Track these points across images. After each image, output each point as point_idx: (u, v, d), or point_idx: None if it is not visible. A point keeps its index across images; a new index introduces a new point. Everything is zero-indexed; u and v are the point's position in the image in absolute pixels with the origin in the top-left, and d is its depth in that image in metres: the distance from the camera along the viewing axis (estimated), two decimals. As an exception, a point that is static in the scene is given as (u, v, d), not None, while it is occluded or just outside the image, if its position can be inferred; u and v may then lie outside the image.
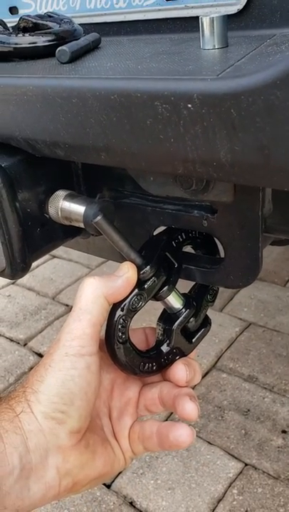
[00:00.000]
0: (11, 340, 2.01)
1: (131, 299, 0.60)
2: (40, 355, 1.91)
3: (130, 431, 0.67)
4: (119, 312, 0.60)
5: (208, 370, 1.75)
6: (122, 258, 0.63)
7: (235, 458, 1.47)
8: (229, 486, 1.40)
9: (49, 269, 2.45)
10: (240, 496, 1.37)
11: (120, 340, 0.61)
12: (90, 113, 0.49)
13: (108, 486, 1.43)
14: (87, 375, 0.56)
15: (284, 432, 1.52)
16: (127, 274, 0.59)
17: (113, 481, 1.43)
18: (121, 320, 0.60)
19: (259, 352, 1.81)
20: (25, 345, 1.99)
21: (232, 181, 0.49)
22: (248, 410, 1.60)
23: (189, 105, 0.42)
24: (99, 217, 0.57)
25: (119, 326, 0.60)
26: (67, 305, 2.18)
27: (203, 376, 1.72)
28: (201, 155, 0.45)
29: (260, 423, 1.56)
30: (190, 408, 0.61)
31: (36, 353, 1.93)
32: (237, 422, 1.57)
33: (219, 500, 1.36)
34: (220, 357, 1.80)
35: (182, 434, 0.61)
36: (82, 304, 0.58)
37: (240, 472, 1.43)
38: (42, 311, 2.16)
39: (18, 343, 2.00)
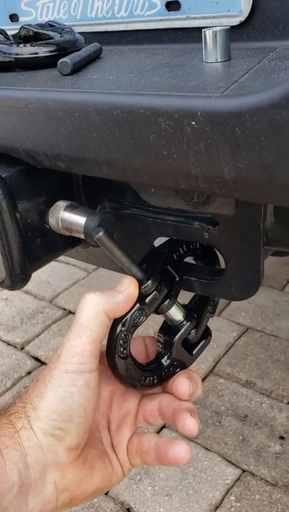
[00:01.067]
0: (8, 344, 2.01)
1: (132, 314, 0.60)
2: (37, 359, 1.91)
3: (128, 444, 0.67)
4: (120, 327, 0.59)
5: (206, 375, 1.75)
6: (122, 269, 0.62)
7: (233, 464, 1.46)
8: (227, 493, 1.39)
9: (46, 272, 2.44)
10: (237, 503, 1.37)
11: (121, 356, 0.60)
12: (93, 127, 0.49)
13: (105, 493, 1.42)
14: (86, 391, 0.56)
15: (282, 438, 1.52)
16: (128, 289, 0.59)
17: (110, 488, 1.43)
18: (122, 335, 0.60)
19: (257, 357, 1.81)
20: (22, 349, 1.98)
21: (235, 197, 0.49)
22: (246, 416, 1.60)
23: (193, 122, 0.42)
24: (100, 234, 0.56)
25: (121, 342, 0.60)
26: (64, 309, 2.18)
27: (201, 381, 1.72)
28: (204, 171, 0.45)
29: (258, 429, 1.55)
30: (191, 424, 0.60)
31: (33, 357, 1.92)
32: (235, 427, 1.57)
33: (217, 507, 1.36)
34: (217, 362, 1.80)
35: (181, 451, 0.61)
36: (82, 320, 0.57)
37: (238, 479, 1.43)
38: (39, 314, 2.16)
39: (15, 347, 1.99)
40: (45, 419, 0.56)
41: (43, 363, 1.89)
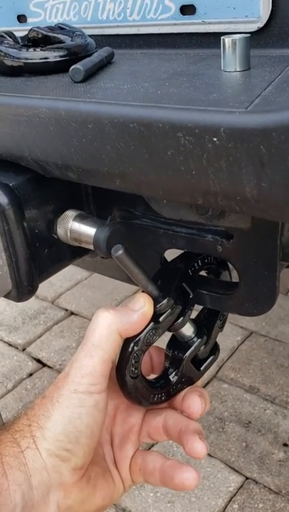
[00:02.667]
0: (10, 345, 1.99)
1: (146, 334, 0.57)
2: (39, 361, 1.89)
3: (132, 461, 0.65)
4: (133, 347, 0.57)
5: (209, 380, 1.73)
6: (129, 280, 0.60)
7: (236, 471, 1.45)
8: (230, 501, 1.38)
9: (49, 272, 2.42)
10: (240, 511, 1.35)
11: (132, 375, 0.58)
12: (107, 140, 0.46)
13: (107, 499, 1.41)
14: (94, 412, 0.54)
15: (285, 445, 1.51)
16: (143, 308, 0.56)
17: (112, 494, 1.41)
18: (135, 355, 0.57)
19: (261, 362, 1.79)
20: (23, 350, 1.96)
21: (256, 216, 0.47)
22: (249, 422, 1.58)
23: (215, 139, 0.40)
24: (120, 252, 0.54)
25: (133, 361, 0.58)
26: (66, 309, 2.16)
27: (204, 386, 1.71)
28: (225, 189, 0.43)
29: (261, 435, 1.54)
30: (200, 448, 0.59)
31: (35, 359, 1.90)
32: (238, 434, 1.55)
33: (220, 516, 1.35)
34: (221, 366, 1.78)
35: (189, 477, 0.59)
36: (95, 339, 0.55)
37: (241, 486, 1.41)
38: (41, 315, 2.14)
39: (17, 347, 1.98)
40: (51, 440, 0.54)
41: (44, 365, 1.87)
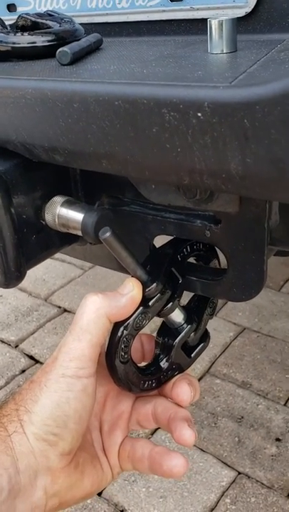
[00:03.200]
0: (2, 342, 1.98)
1: (135, 318, 0.57)
2: (32, 358, 1.88)
3: (120, 448, 0.65)
4: (122, 331, 0.57)
5: (202, 375, 1.73)
6: (120, 268, 0.60)
7: (228, 466, 1.45)
8: (222, 495, 1.38)
9: (42, 269, 2.41)
10: (233, 506, 1.35)
11: (122, 360, 0.58)
12: (92, 119, 0.46)
13: (99, 494, 1.40)
14: (82, 397, 0.54)
15: (278, 440, 1.51)
16: (132, 292, 0.56)
17: (104, 489, 1.41)
18: (124, 339, 0.57)
19: (253, 357, 1.79)
20: (16, 346, 1.95)
21: (242, 194, 0.47)
22: (242, 417, 1.58)
23: (199, 114, 0.40)
24: (108, 234, 0.53)
25: (122, 346, 0.57)
26: (59, 307, 2.15)
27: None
28: (210, 166, 0.42)
29: (254, 430, 1.54)
30: (188, 435, 0.59)
31: (27, 355, 1.90)
32: (230, 429, 1.55)
33: (212, 510, 1.34)
34: (214, 362, 1.78)
35: (177, 464, 0.59)
36: (83, 323, 0.55)
37: (233, 481, 1.41)
38: (34, 312, 2.13)
39: (9, 344, 1.97)
40: (38, 424, 0.53)
41: (37, 362, 1.87)
